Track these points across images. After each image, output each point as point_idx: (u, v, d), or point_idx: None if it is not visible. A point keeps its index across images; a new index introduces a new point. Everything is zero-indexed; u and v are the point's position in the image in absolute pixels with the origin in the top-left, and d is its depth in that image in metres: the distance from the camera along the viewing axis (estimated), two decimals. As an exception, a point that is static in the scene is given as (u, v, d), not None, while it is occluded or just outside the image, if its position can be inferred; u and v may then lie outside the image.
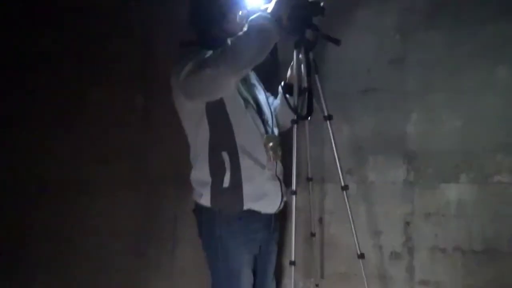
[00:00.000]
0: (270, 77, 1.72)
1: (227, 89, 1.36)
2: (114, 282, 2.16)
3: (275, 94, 1.69)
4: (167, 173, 2.12)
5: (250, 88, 1.56)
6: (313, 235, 1.76)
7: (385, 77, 1.83)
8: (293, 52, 1.52)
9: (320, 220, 1.84)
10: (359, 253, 1.47)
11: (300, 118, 1.44)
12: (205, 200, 1.44)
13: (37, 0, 2.46)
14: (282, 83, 1.61)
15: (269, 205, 1.48)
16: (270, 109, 1.59)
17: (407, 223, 1.74)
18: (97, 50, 2.30)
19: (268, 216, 1.51)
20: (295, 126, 1.43)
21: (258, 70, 1.65)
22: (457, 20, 1.74)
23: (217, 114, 1.42)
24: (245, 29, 1.32)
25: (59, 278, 2.26)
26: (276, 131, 1.57)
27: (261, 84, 1.65)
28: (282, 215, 1.62)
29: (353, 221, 1.46)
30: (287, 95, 1.54)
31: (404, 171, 1.76)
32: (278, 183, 1.50)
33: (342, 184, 1.44)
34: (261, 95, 1.59)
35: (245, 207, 1.43)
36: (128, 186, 2.19)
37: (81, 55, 2.33)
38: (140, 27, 2.24)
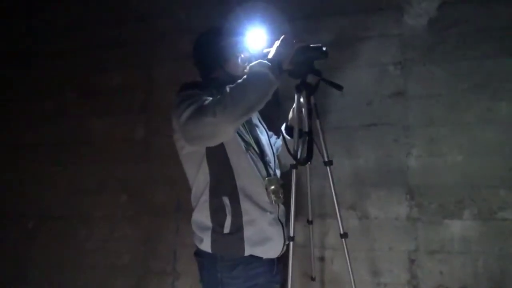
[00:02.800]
0: (272, 115, 1.71)
1: (226, 136, 1.34)
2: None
3: (277, 133, 1.68)
4: (167, 206, 2.11)
5: (252, 129, 1.54)
6: (313, 279, 1.74)
7: (386, 111, 1.83)
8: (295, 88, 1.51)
9: (321, 259, 1.82)
10: None
11: (299, 164, 1.42)
12: (206, 246, 1.43)
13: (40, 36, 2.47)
14: (284, 125, 1.60)
15: (271, 250, 1.46)
16: (272, 149, 1.58)
17: (412, 261, 1.72)
18: (98, 82, 2.30)
19: (270, 260, 1.49)
20: (294, 171, 1.42)
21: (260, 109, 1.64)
22: (457, 56, 1.75)
23: (217, 158, 1.41)
24: (244, 76, 1.31)
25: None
26: (278, 172, 1.56)
27: (263, 124, 1.64)
28: (285, 257, 1.60)
29: (351, 268, 1.44)
30: (288, 137, 1.52)
31: (407, 207, 1.75)
32: (280, 226, 1.48)
33: (341, 232, 1.42)
34: (263, 135, 1.58)
35: (247, 253, 1.41)
36: (128, 219, 2.17)
37: (82, 87, 2.34)
38: (142, 60, 2.24)
